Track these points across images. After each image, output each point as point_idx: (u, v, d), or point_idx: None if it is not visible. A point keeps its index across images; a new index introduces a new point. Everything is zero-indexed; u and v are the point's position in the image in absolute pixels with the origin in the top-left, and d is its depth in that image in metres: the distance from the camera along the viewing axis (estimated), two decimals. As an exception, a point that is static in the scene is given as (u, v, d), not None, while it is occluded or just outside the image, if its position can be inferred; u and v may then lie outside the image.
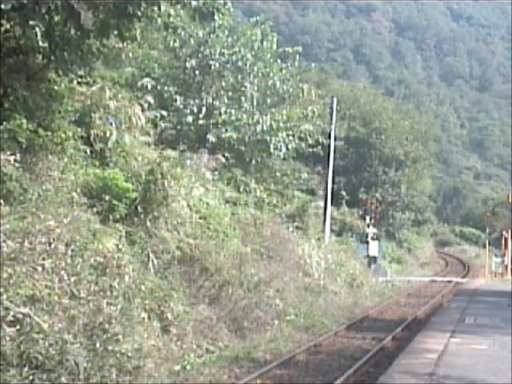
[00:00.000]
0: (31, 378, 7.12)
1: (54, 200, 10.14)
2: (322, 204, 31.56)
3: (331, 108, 31.84)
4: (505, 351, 10.91)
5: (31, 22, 9.83)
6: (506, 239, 41.79)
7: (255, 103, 24.71)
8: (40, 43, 10.18)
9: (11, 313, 7.35)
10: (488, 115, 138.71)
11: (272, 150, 24.84)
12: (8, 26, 10.02)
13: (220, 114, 23.56)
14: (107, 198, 12.12)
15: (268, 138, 24.49)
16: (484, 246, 51.90)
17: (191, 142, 23.30)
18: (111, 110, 14.26)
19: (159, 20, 12.00)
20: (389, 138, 49.08)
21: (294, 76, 27.46)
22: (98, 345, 8.15)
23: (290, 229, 23.43)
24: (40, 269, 8.25)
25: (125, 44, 12.99)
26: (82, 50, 10.65)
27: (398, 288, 30.63)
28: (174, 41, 23.31)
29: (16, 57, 10.39)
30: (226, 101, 23.94)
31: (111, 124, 13.99)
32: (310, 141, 27.16)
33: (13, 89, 10.29)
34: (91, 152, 13.28)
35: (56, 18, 10.09)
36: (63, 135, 11.54)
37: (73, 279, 8.63)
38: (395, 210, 48.79)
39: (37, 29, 9.96)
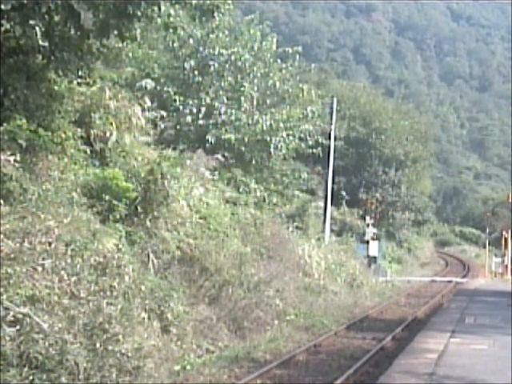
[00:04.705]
0: (31, 378, 7.11)
1: (54, 200, 10.13)
2: (322, 204, 31.56)
3: (331, 108, 31.83)
4: (505, 351, 10.91)
5: (31, 22, 9.83)
6: (506, 239, 41.74)
7: (255, 103, 24.71)
8: (40, 43, 10.18)
9: (11, 313, 7.34)
10: (488, 115, 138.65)
11: (272, 150, 24.85)
12: (8, 26, 10.02)
13: (220, 114, 23.57)
14: (107, 198, 12.11)
15: (268, 138, 24.49)
16: (484, 246, 51.85)
17: (191, 142, 23.31)
18: (111, 110, 14.25)
19: (159, 20, 12.00)
20: (389, 138, 49.06)
21: (293, 76, 27.46)
22: (98, 345, 8.14)
23: (290, 229, 23.43)
24: (40, 269, 8.25)
25: (125, 44, 12.97)
26: (82, 50, 10.65)
27: (398, 288, 30.62)
28: (173, 41, 23.32)
29: (16, 57, 10.39)
30: (225, 101, 23.95)
31: (111, 124, 13.99)
32: (310, 141, 27.15)
33: (13, 89, 10.29)
34: (91, 152, 13.28)
35: (56, 18, 10.10)
36: (63, 135, 11.55)
37: (73, 279, 8.63)
38: (395, 210, 48.74)
39: (37, 29, 9.95)
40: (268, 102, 25.93)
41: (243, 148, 24.11)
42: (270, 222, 20.37)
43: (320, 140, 28.54)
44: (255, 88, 24.89)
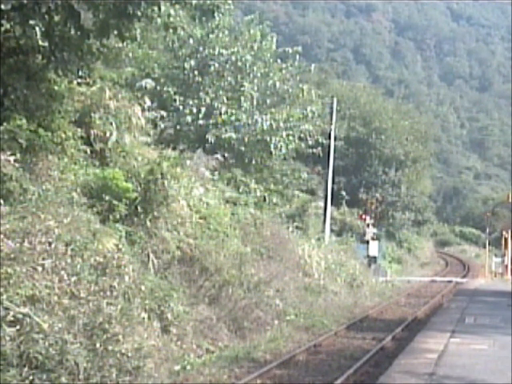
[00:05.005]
0: (31, 378, 7.10)
1: (54, 200, 10.12)
2: (322, 204, 31.56)
3: (331, 108, 31.84)
4: (505, 351, 10.91)
5: (31, 22, 9.83)
6: (506, 239, 41.74)
7: (255, 103, 24.71)
8: (40, 43, 10.18)
9: (11, 313, 7.34)
10: (488, 115, 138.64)
11: (272, 150, 24.86)
12: (8, 26, 10.02)
13: (220, 114, 23.57)
14: (107, 198, 12.11)
15: (268, 138, 24.50)
16: (484, 246, 51.87)
17: (191, 142, 23.32)
18: (111, 110, 14.25)
19: (159, 20, 11.99)
20: (389, 138, 49.06)
21: (293, 76, 27.45)
22: (98, 345, 8.14)
23: (290, 229, 23.43)
24: (40, 269, 8.24)
25: (125, 44, 12.97)
26: (82, 50, 10.64)
27: (398, 288, 30.63)
28: (173, 41, 23.32)
29: (16, 57, 10.38)
30: (225, 101, 23.95)
31: (111, 124, 13.99)
32: (310, 141, 27.16)
33: (13, 89, 10.29)
34: (91, 152, 13.27)
35: (56, 18, 10.08)
36: (63, 135, 11.54)
37: (73, 279, 8.62)
38: (395, 209, 48.77)
39: (37, 29, 9.95)
40: (268, 101, 25.92)
41: (243, 148, 24.12)
42: (270, 222, 20.37)
43: (320, 140, 28.55)
44: (255, 88, 24.88)
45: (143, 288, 10.65)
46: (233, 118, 23.64)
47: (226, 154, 23.22)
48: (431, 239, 69.41)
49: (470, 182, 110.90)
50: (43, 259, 8.42)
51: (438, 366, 9.43)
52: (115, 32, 10.45)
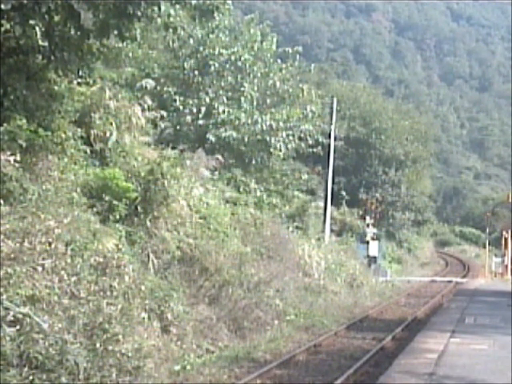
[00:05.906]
0: (31, 378, 7.10)
1: (54, 200, 10.13)
2: (321, 204, 31.56)
3: (331, 108, 31.83)
4: (505, 351, 10.90)
5: (31, 22, 9.84)
6: (506, 239, 41.72)
7: (255, 103, 24.72)
8: (40, 43, 10.18)
9: (11, 313, 7.34)
10: (488, 115, 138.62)
11: (272, 150, 24.86)
12: (8, 26, 10.03)
13: (219, 113, 23.57)
14: (107, 198, 12.12)
15: (268, 138, 24.50)
16: (484, 246, 51.86)
17: (191, 141, 23.32)
18: (111, 110, 14.25)
19: (159, 20, 11.99)
20: (389, 138, 49.02)
21: (293, 76, 27.46)
22: (98, 345, 8.14)
23: (290, 229, 23.43)
24: (40, 269, 8.25)
25: (125, 44, 12.98)
26: (82, 50, 10.65)
27: (398, 288, 30.62)
28: (173, 41, 23.32)
29: (16, 57, 10.39)
30: (225, 101, 23.95)
31: (111, 124, 13.99)
32: (310, 141, 27.17)
33: (13, 89, 10.29)
34: (91, 152, 13.28)
35: (56, 18, 10.10)
36: (63, 135, 11.53)
37: (73, 279, 8.63)
38: (395, 210, 48.74)
39: (37, 29, 9.96)
40: (268, 101, 25.93)
41: (243, 148, 24.12)
42: (270, 222, 20.36)
43: (320, 140, 28.57)
44: (255, 88, 24.88)
45: (143, 288, 10.65)
46: (232, 117, 23.65)
47: (226, 154, 23.22)
48: (431, 239, 69.41)
49: (469, 182, 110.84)
50: (43, 259, 8.42)
51: (438, 366, 9.43)
52: (115, 32, 10.45)
